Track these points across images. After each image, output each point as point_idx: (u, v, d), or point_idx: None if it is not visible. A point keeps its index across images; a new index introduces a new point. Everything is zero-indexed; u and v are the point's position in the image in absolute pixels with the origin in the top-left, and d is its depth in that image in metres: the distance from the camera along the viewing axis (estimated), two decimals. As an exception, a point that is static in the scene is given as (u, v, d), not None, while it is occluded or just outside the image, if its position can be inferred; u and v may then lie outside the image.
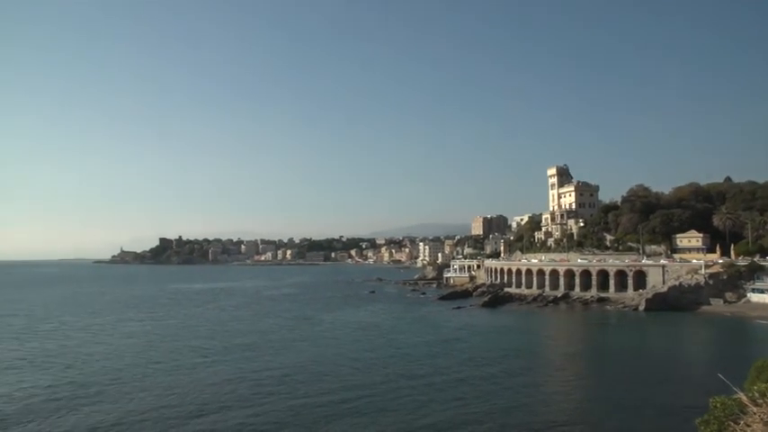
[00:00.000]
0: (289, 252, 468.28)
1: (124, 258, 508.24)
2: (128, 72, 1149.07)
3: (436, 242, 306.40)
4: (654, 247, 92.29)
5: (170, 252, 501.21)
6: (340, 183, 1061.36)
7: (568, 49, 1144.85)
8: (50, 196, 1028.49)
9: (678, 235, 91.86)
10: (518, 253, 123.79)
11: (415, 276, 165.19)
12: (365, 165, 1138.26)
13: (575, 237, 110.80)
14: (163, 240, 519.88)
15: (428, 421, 25.84)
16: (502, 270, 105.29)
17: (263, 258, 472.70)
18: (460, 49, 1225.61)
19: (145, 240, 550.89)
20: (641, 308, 70.24)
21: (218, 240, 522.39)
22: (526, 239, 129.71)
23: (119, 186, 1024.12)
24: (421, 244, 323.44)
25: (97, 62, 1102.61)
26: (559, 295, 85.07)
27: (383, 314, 75.06)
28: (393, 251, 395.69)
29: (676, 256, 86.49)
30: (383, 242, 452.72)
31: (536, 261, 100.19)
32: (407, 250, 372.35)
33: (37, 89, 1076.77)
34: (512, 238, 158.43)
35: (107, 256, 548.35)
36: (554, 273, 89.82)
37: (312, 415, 26.66)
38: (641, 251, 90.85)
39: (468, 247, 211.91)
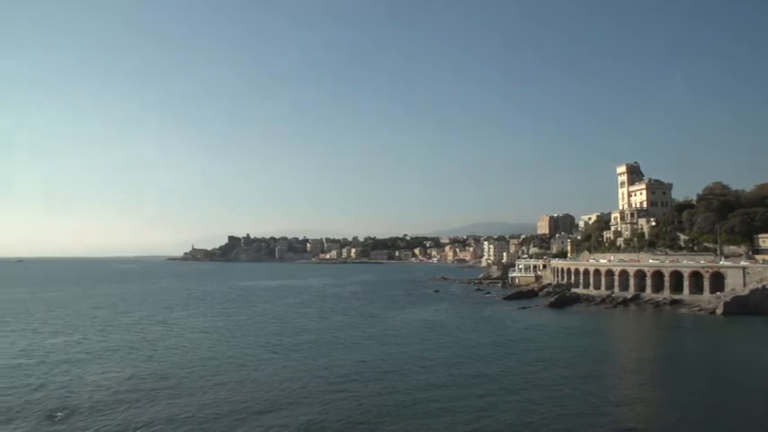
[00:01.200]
0: (353, 250, 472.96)
1: (195, 256, 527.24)
2: (198, 80, 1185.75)
3: (501, 241, 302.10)
4: (732, 247, 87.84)
5: (238, 250, 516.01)
6: (404, 181, 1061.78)
7: (641, 40, 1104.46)
8: (130, 197, 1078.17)
9: (761, 235, 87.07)
10: (586, 253, 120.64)
11: (480, 275, 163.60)
12: (429, 164, 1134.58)
13: (646, 236, 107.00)
14: (231, 238, 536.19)
15: (497, 423, 25.56)
16: (569, 270, 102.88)
17: (327, 257, 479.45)
18: (525, 48, 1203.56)
19: (215, 238, 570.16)
20: (719, 311, 66.90)
21: (285, 239, 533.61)
22: (594, 239, 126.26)
23: (191, 187, 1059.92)
24: (485, 243, 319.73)
25: (182, 73, 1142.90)
26: (629, 296, 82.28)
27: (448, 313, 74.77)
28: (457, 250, 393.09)
29: (759, 257, 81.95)
30: (447, 241, 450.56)
31: (605, 261, 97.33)
32: (472, 249, 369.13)
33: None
34: (579, 237, 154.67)
35: (179, 253, 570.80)
36: (623, 273, 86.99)
37: (380, 414, 26.86)
38: (719, 252, 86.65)
39: (534, 246, 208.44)
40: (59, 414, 26.77)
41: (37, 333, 55.31)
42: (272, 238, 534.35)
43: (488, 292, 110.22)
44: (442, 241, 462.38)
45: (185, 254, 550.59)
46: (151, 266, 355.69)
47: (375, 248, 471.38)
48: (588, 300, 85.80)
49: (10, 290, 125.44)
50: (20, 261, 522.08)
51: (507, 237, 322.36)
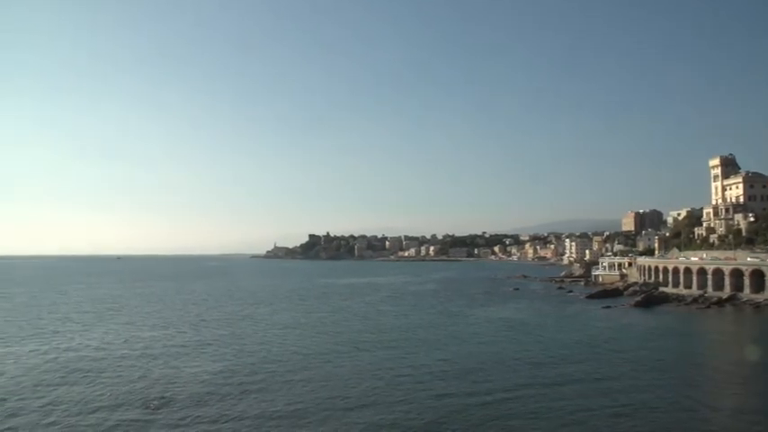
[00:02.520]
0: (432, 248, 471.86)
1: (277, 253, 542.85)
2: (284, 81, 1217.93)
3: (583, 238, 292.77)
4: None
5: (319, 248, 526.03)
6: (483, 178, 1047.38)
7: (733, 23, 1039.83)
8: (217, 198, 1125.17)
9: None
10: (675, 250, 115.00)
11: (562, 274, 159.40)
12: (508, 159, 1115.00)
13: (743, 233, 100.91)
14: (312, 236, 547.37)
15: (589, 429, 24.80)
16: (656, 268, 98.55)
17: (406, 254, 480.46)
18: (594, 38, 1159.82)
19: (296, 236, 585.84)
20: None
21: (364, 236, 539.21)
22: (684, 236, 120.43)
23: (274, 187, 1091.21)
24: (567, 240, 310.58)
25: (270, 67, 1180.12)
26: (725, 297, 77.66)
27: (529, 311, 73.48)
28: (537, 247, 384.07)
29: None
30: (527, 238, 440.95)
31: (696, 259, 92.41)
32: (553, 247, 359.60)
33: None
34: (667, 234, 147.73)
35: (262, 251, 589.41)
36: (717, 272, 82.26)
37: (463, 415, 26.60)
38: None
39: (619, 243, 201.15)
40: (155, 403, 28.26)
41: (137, 326, 58.57)
42: (352, 236, 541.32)
43: (570, 291, 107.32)
44: (522, 239, 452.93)
45: (268, 252, 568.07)
46: (236, 264, 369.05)
47: (454, 246, 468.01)
48: (678, 299, 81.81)
49: (113, 285, 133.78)
50: (119, 258, 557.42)
51: (590, 234, 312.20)
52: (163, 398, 29.23)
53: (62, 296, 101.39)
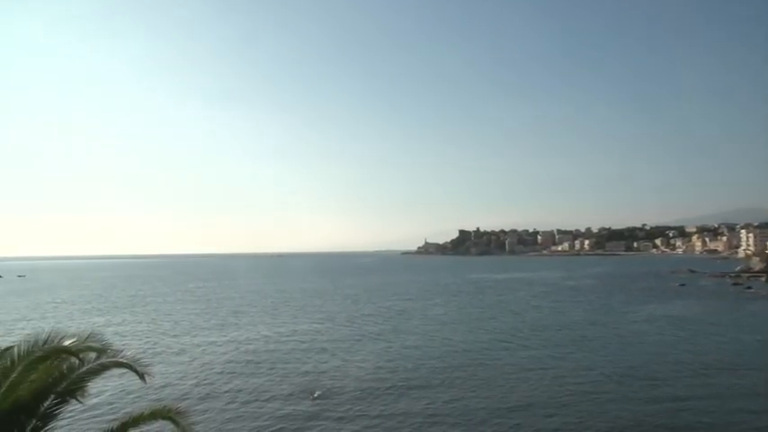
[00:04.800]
0: (586, 242, 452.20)
1: (428, 249, 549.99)
2: (422, 74, 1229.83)
3: (764, 229, 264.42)
4: None
5: (469, 243, 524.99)
6: (641, 165, 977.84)
7: None
8: (370, 195, 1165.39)
9: None
10: None
11: (737, 268, 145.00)
12: (670, 144, 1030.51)
13: None
14: (462, 232, 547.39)
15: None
16: None
17: (559, 249, 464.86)
18: None
19: (446, 232, 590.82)
20: None
21: (515, 231, 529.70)
22: None
23: (424, 184, 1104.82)
24: (743, 231, 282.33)
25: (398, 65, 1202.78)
26: None
27: (698, 309, 67.93)
28: (706, 240, 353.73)
29: None
30: (694, 230, 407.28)
31: None
32: (725, 239, 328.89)
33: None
34: None
35: (413, 247, 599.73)
36: None
37: (631, 422, 25.19)
38: None
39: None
40: (320, 394, 29.88)
41: (300, 320, 62.44)
42: (502, 231, 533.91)
43: (749, 287, 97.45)
44: (688, 230, 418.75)
45: (419, 248, 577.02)
46: (387, 260, 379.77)
47: (610, 240, 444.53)
48: None
49: (275, 280, 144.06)
50: (279, 256, 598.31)
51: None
52: (327, 391, 30.75)
53: (233, 290, 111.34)
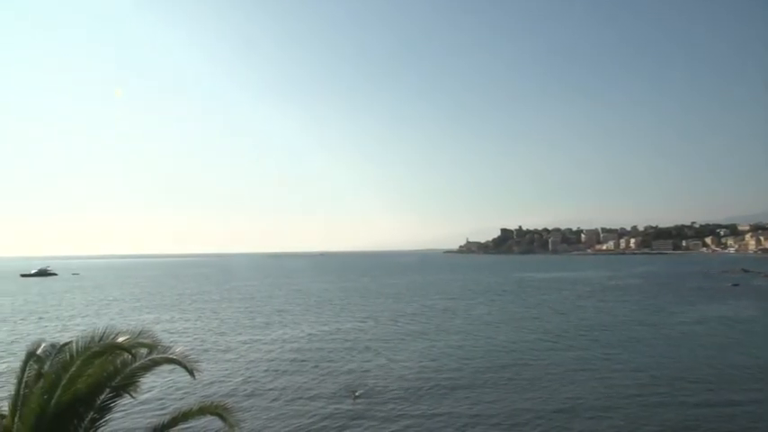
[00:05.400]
0: (632, 241, 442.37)
1: (470, 248, 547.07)
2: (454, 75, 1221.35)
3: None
4: None
5: (511, 242, 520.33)
6: (689, 161, 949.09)
7: None
8: (412, 194, 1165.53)
9: None
10: None
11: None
12: (720, 138, 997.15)
13: None
14: (504, 231, 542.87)
15: None
16: None
17: (603, 248, 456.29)
18: None
19: (488, 231, 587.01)
20: None
21: (558, 230, 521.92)
22: None
23: (466, 183, 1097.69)
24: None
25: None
26: None
27: (752, 310, 65.53)
28: (761, 238, 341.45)
29: None
30: (747, 228, 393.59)
31: None
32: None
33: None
34: None
35: (455, 245, 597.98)
36: None
37: (687, 430, 24.42)
38: None
39: None
40: (361, 392, 30.12)
41: (343, 319, 62.75)
42: (545, 230, 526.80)
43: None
44: (741, 228, 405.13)
45: (460, 246, 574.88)
46: (429, 259, 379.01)
47: (657, 238, 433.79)
48: None
49: (318, 279, 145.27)
50: (321, 255, 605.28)
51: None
52: (371, 390, 30.88)
53: (276, 289, 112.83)
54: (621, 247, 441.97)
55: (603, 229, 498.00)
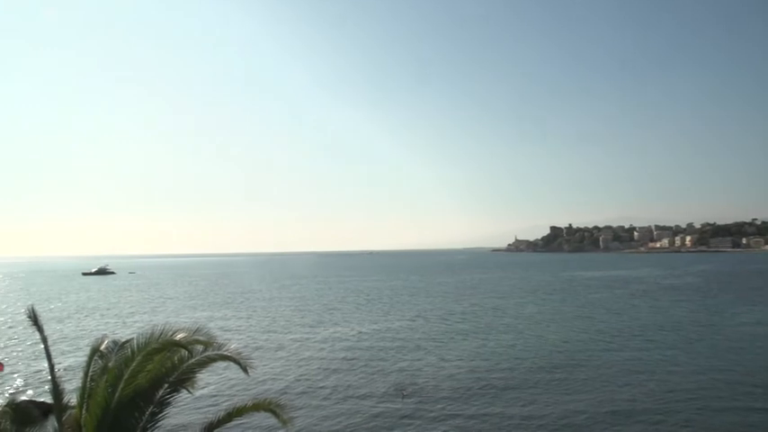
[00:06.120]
0: (688, 238, 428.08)
1: (518, 247, 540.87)
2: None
3: None
4: None
5: (561, 240, 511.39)
6: (749, 154, 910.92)
7: None
8: (464, 191, 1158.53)
9: None
10: None
11: None
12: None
13: None
14: (553, 229, 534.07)
15: None
16: None
17: (658, 245, 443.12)
18: None
19: (536, 229, 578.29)
20: None
21: (609, 227, 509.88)
22: None
23: (514, 180, 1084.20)
24: None
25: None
26: None
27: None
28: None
29: None
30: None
31: None
32: None
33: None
34: None
35: (503, 244, 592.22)
36: None
37: None
38: None
39: None
40: (411, 391, 30.08)
41: (393, 317, 62.89)
42: (596, 228, 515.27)
43: None
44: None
45: (509, 245, 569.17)
46: (477, 257, 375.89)
47: (715, 235, 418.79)
48: None
49: (369, 278, 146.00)
50: (369, 253, 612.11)
51: None
52: (421, 389, 30.76)
53: (326, 287, 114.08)
54: (677, 245, 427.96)
55: (657, 227, 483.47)
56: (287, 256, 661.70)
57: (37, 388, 31.23)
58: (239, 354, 11.32)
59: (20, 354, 43.43)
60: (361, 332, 52.16)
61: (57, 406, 11.01)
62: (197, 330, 11.35)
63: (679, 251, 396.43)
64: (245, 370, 11.09)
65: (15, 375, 35.62)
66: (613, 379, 32.47)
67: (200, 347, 11.12)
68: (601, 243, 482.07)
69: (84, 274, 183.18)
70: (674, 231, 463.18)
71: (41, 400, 25.35)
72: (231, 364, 11.36)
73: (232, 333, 52.36)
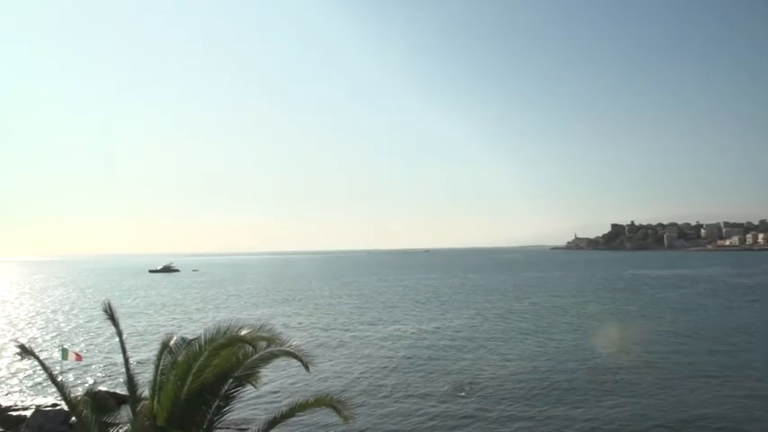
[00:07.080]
0: (760, 236, 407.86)
1: (578, 244, 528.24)
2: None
3: None
4: None
5: (622, 238, 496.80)
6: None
7: None
8: (524, 187, 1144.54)
9: None
10: None
11: None
12: None
13: None
14: (615, 226, 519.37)
15: None
16: None
17: (727, 243, 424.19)
18: None
19: (597, 227, 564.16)
20: None
21: (674, 225, 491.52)
22: None
23: (573, 176, 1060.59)
24: None
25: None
26: None
27: None
28: None
29: None
30: None
31: None
32: None
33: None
34: None
35: (562, 242, 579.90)
36: None
37: None
38: None
39: None
40: (471, 390, 29.82)
41: (451, 315, 62.60)
42: (660, 225, 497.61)
43: None
44: None
45: (568, 243, 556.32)
46: (535, 256, 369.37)
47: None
48: None
49: (427, 276, 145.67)
50: (426, 252, 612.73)
51: None
52: (482, 389, 30.39)
53: (384, 285, 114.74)
54: (748, 243, 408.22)
55: (726, 224, 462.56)
56: (348, 253, 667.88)
57: (113, 379, 32.64)
58: (301, 350, 11.46)
59: (97, 346, 45.76)
60: (420, 330, 52.11)
61: (131, 397, 11.59)
62: (261, 327, 11.60)
63: (751, 249, 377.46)
64: (306, 366, 11.21)
65: (93, 367, 37.65)
66: (683, 383, 31.04)
67: (263, 343, 11.31)
68: (665, 240, 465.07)
69: (151, 271, 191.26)
70: (746, 228, 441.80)
71: (116, 390, 26.41)
72: (292, 360, 11.51)
73: (294, 330, 53.26)
